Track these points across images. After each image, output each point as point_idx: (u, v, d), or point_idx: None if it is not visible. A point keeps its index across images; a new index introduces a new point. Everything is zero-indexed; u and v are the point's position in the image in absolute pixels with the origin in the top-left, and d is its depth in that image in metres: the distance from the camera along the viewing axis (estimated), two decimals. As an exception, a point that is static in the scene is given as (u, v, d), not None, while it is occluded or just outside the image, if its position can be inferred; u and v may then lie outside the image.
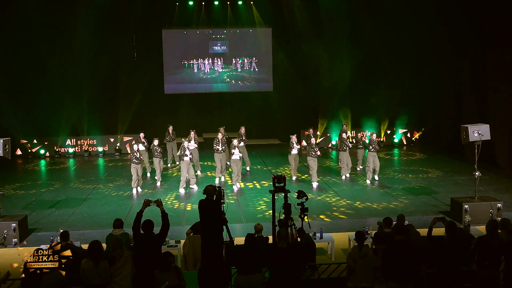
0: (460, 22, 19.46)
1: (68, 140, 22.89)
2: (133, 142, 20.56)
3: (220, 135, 16.99)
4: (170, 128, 19.07)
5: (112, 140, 23.23)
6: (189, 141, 17.02)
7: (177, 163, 19.53)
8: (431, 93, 21.98)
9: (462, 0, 19.32)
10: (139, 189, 15.94)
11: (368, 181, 16.54)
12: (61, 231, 9.26)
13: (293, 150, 16.83)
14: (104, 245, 8.23)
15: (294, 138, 17.01)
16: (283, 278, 7.18)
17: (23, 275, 7.40)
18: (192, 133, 17.91)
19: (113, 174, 18.75)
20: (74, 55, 21.96)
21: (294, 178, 17.03)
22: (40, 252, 7.49)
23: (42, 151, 22.62)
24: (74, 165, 20.88)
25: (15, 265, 7.56)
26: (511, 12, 16.96)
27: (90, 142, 23.12)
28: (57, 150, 22.69)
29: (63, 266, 7.34)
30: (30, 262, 7.33)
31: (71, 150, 22.86)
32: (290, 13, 23.93)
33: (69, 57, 21.91)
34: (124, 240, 8.16)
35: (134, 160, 15.70)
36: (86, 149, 23.00)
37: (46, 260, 7.35)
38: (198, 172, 17.93)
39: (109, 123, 23.26)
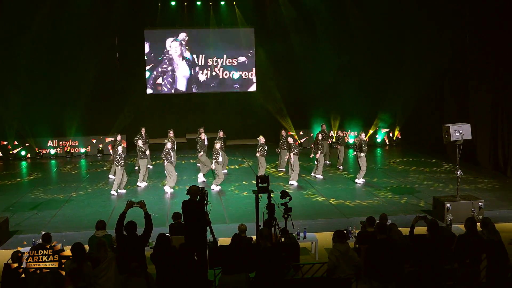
0: (441, 23, 19.62)
1: (50, 141, 22.65)
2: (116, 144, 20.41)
3: (203, 136, 17.08)
4: (143, 130, 19.00)
5: (94, 141, 23.04)
6: (172, 142, 17.15)
7: (150, 167, 19.23)
8: (413, 93, 22.10)
9: (444, 1, 19.50)
10: (122, 190, 15.87)
11: (358, 180, 16.50)
12: (43, 233, 9.18)
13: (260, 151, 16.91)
14: (86, 247, 8.16)
15: (262, 139, 17.04)
16: (268, 277, 7.18)
17: (23, 275, 7.34)
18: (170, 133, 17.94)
19: (96, 175, 18.60)
20: (55, 56, 21.75)
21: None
22: (23, 254, 7.42)
23: (23, 153, 22.34)
24: (56, 167, 20.66)
25: (15, 265, 7.52)
26: (491, 12, 17.16)
27: (72, 143, 22.92)
28: (38, 151, 22.44)
29: (63, 266, 7.29)
30: (29, 262, 7.29)
31: (52, 151, 22.60)
32: (273, 14, 23.93)
33: (50, 57, 21.68)
34: (107, 242, 8.11)
35: (120, 161, 15.63)
36: (68, 150, 22.79)
37: (46, 260, 7.28)
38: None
39: (91, 124, 23.06)
